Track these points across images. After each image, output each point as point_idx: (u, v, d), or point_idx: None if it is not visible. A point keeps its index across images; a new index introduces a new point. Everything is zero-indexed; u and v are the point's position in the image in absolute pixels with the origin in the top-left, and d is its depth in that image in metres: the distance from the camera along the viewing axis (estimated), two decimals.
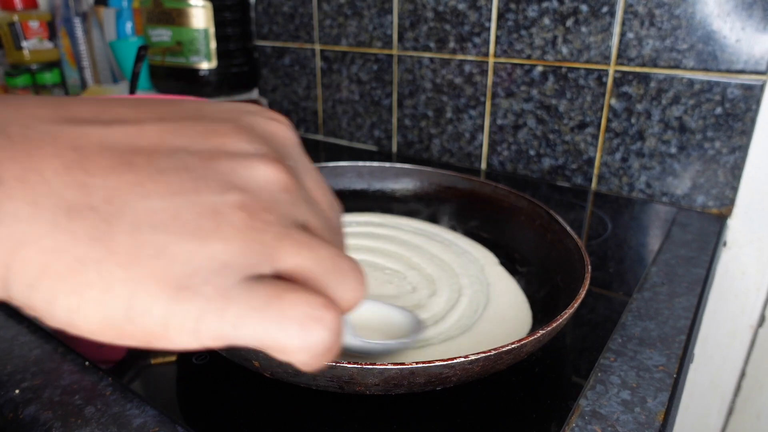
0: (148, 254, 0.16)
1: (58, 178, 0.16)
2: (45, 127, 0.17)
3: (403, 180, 0.57)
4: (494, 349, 0.28)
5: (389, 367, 0.27)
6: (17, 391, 0.35)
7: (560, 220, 0.45)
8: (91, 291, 0.16)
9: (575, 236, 0.42)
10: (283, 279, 0.18)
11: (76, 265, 0.16)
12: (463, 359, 0.28)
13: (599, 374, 0.37)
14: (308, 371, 0.20)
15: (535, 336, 0.30)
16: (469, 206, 0.54)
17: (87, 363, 0.37)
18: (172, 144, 0.18)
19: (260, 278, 0.17)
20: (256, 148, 0.19)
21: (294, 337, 0.17)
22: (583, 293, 0.34)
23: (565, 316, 0.32)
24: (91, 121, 0.17)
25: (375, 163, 0.58)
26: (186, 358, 0.37)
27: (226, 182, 0.18)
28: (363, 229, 0.53)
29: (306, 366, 0.18)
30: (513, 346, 0.29)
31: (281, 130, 0.21)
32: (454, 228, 0.54)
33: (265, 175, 0.18)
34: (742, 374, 0.69)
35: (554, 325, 0.31)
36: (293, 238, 0.18)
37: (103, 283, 0.16)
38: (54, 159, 0.16)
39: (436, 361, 0.27)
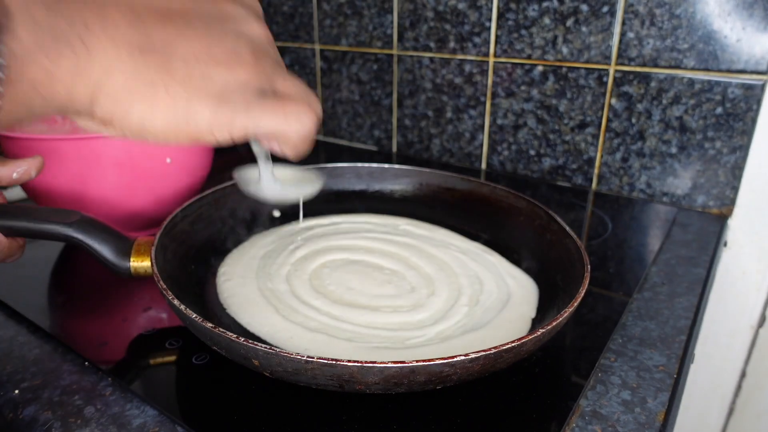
0: (197, 78, 0.25)
1: (127, 27, 0.24)
2: None
3: (401, 181, 0.57)
4: (494, 348, 0.28)
5: (389, 365, 0.27)
6: (16, 392, 0.34)
7: (559, 220, 0.45)
8: (160, 103, 0.24)
9: (574, 236, 0.42)
10: (281, 95, 0.28)
11: (149, 84, 0.24)
12: (463, 357, 0.28)
13: (599, 374, 0.37)
14: (294, 156, 0.30)
15: (535, 335, 0.30)
16: (468, 207, 0.54)
17: (86, 363, 0.37)
18: (193, 8, 0.26)
19: (267, 93, 0.27)
20: (248, 13, 0.28)
21: (293, 127, 0.27)
22: (582, 292, 0.34)
23: (564, 315, 0.32)
24: None
25: (374, 165, 0.57)
26: (186, 358, 0.37)
27: (238, 33, 0.27)
28: (362, 229, 0.53)
29: (295, 149, 0.29)
30: (513, 344, 0.29)
31: (256, 3, 0.31)
32: (453, 229, 0.54)
33: (259, 31, 0.28)
34: (743, 374, 0.69)
35: (554, 324, 0.31)
36: (283, 71, 0.29)
37: (169, 97, 0.24)
38: (120, 15, 0.24)
39: (437, 359, 0.27)
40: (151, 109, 0.24)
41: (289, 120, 0.27)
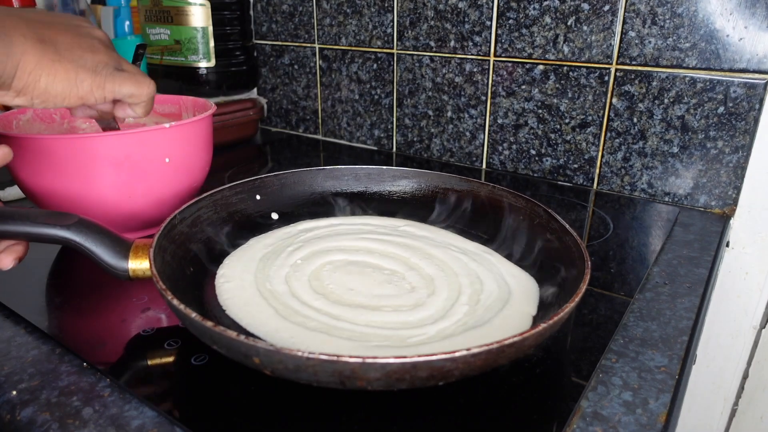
0: (77, 58, 0.39)
1: (27, 28, 0.37)
2: (6, 10, 0.37)
3: (400, 182, 0.57)
4: (496, 342, 0.28)
5: (391, 361, 0.27)
6: (14, 393, 0.34)
7: (559, 218, 0.44)
8: (59, 74, 0.38)
9: (574, 233, 0.41)
10: (129, 71, 0.43)
11: (51, 62, 0.38)
12: (465, 352, 0.28)
13: (600, 375, 0.36)
14: (144, 114, 0.46)
15: (537, 329, 0.30)
16: (468, 207, 0.54)
17: (85, 364, 0.37)
18: (60, 20, 0.41)
19: (120, 69, 0.42)
20: (91, 25, 0.43)
21: (144, 91, 0.44)
22: (583, 288, 0.34)
23: (566, 310, 0.32)
24: (23, 11, 0.40)
25: (372, 167, 0.57)
26: (185, 359, 0.37)
27: (91, 35, 0.42)
28: (361, 231, 0.53)
29: (145, 108, 0.45)
30: (515, 339, 0.29)
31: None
32: (452, 229, 0.53)
33: (102, 34, 0.43)
34: (745, 376, 0.68)
35: (556, 318, 0.31)
36: (124, 59, 0.44)
37: (64, 70, 0.38)
38: (20, 20, 0.37)
39: (439, 353, 0.27)
40: (53, 78, 0.38)
41: (141, 86, 0.43)
